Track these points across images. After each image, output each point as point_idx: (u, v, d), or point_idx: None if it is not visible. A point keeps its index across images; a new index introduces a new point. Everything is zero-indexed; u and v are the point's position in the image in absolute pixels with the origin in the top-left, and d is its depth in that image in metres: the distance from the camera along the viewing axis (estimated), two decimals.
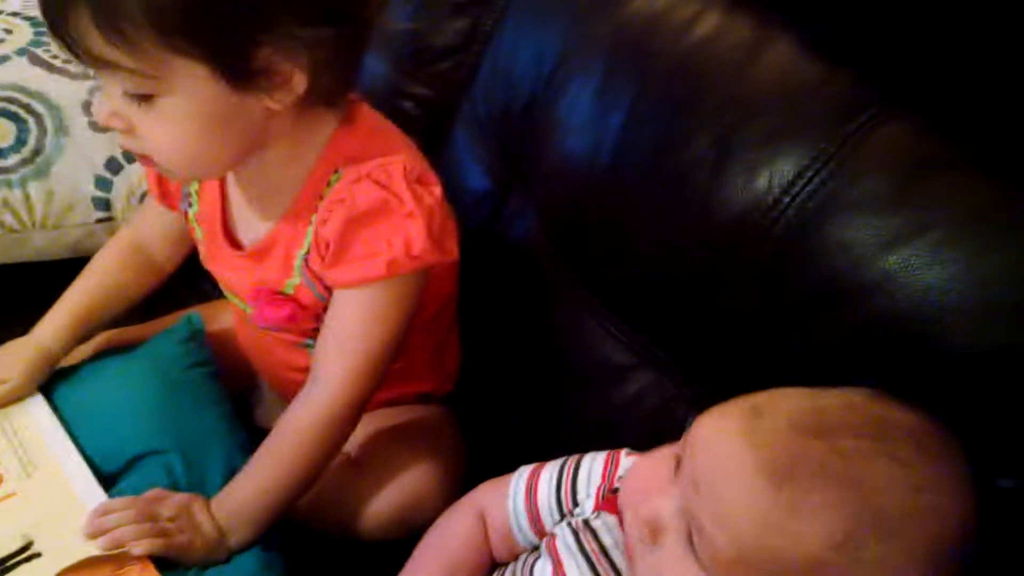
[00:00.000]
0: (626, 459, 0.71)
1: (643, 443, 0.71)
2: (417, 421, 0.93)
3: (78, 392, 0.86)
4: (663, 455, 0.64)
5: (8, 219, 1.08)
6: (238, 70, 0.68)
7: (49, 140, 1.10)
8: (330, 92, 0.75)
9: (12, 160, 1.08)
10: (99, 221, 1.12)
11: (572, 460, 0.73)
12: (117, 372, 0.88)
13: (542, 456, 0.75)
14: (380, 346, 0.80)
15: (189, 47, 0.66)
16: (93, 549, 0.71)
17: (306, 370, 0.87)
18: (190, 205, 0.88)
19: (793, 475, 0.55)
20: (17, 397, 0.84)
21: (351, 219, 0.75)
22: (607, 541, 0.66)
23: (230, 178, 0.84)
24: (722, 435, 0.58)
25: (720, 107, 0.76)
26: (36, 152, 1.09)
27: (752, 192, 0.72)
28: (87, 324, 0.91)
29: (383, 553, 0.80)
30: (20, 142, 1.09)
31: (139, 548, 0.71)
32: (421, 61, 1.10)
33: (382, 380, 0.82)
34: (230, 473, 0.80)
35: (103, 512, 0.73)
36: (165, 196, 0.91)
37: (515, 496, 0.73)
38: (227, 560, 0.75)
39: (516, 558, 0.72)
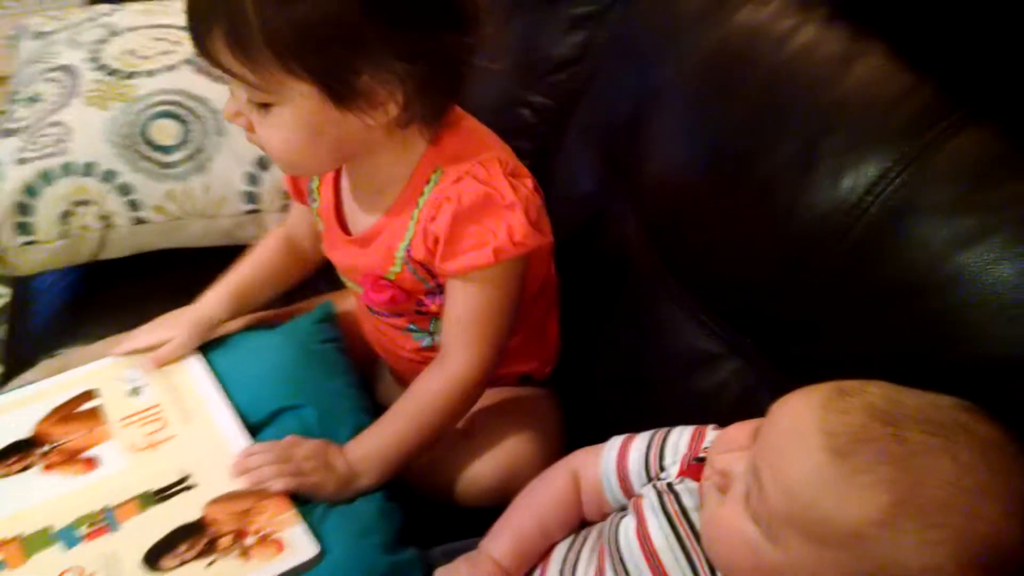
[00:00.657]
0: (711, 432, 0.75)
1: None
2: (521, 399, 1.00)
3: (230, 355, 0.97)
4: (749, 424, 0.68)
5: (172, 208, 1.22)
6: (340, 92, 0.77)
7: (209, 140, 1.22)
8: (422, 117, 0.83)
9: (177, 156, 1.22)
10: (248, 212, 1.24)
11: (662, 431, 0.78)
12: (263, 341, 0.99)
13: None
14: (497, 326, 0.89)
15: (300, 70, 0.75)
16: (238, 485, 0.81)
17: (414, 351, 0.98)
18: (314, 200, 0.98)
19: (852, 449, 0.58)
20: (180, 355, 0.96)
21: (458, 215, 0.83)
22: (688, 503, 0.70)
23: (343, 174, 0.95)
24: (802, 404, 0.62)
25: (811, 114, 0.81)
26: (198, 150, 1.22)
27: (837, 192, 0.77)
28: (243, 301, 1.02)
29: (477, 518, 0.85)
30: (185, 141, 1.22)
31: (277, 485, 0.81)
32: (540, 72, 1.18)
33: (503, 355, 0.91)
34: (356, 430, 0.90)
35: (248, 454, 0.83)
36: (299, 195, 1.02)
37: (607, 460, 0.78)
38: (352, 500, 0.84)
39: (605, 517, 0.78)
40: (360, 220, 0.94)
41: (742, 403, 0.86)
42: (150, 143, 1.21)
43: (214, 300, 1.00)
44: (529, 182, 0.87)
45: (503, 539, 0.79)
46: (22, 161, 1.20)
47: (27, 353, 1.23)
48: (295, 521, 0.79)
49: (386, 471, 0.86)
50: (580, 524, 0.80)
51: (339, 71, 0.76)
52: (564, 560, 0.75)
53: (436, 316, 0.94)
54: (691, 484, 0.71)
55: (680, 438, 0.76)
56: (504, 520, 0.81)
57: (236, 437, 0.87)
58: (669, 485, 0.72)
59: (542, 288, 1.00)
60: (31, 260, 1.20)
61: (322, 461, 0.84)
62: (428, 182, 0.86)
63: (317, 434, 0.88)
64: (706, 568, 0.66)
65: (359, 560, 0.77)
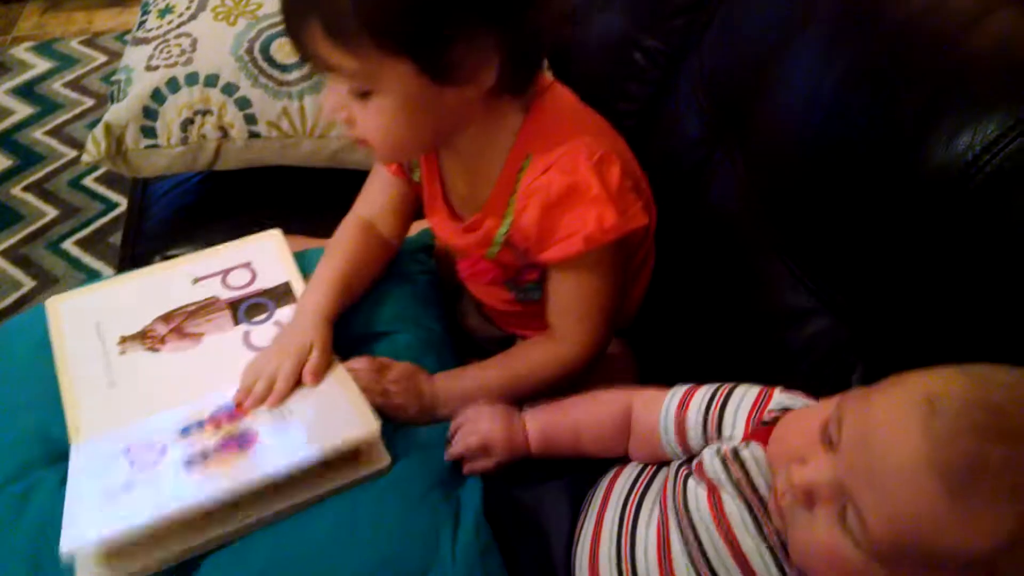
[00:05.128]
0: (779, 395, 0.73)
1: (811, 385, 0.75)
2: None
3: None
4: (817, 414, 0.64)
5: (285, 125, 1.26)
6: (436, 66, 0.78)
7: None
8: (516, 84, 0.84)
9: (295, 75, 1.26)
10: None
11: (725, 387, 0.76)
12: None
13: None
14: (601, 311, 0.91)
15: (396, 47, 0.76)
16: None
17: (508, 301, 1.01)
18: (412, 170, 1.00)
19: (969, 482, 0.54)
20: (328, 361, 0.87)
21: (547, 207, 0.85)
22: (752, 470, 0.68)
23: (444, 163, 0.96)
24: (896, 429, 0.56)
25: (936, 69, 0.78)
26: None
27: (954, 149, 0.73)
28: (349, 295, 0.95)
29: (536, 465, 0.85)
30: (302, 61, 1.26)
31: (367, 386, 0.84)
32: (657, 16, 1.17)
33: (614, 330, 0.93)
34: (440, 363, 0.93)
35: (347, 367, 0.86)
36: (397, 168, 1.02)
37: (669, 406, 0.78)
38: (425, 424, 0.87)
39: (657, 461, 0.78)
40: (462, 202, 0.96)
41: (829, 362, 0.84)
42: (270, 60, 1.25)
43: (323, 298, 0.92)
44: (616, 169, 0.86)
45: (541, 418, 0.81)
46: (150, 68, 1.25)
47: (141, 252, 1.30)
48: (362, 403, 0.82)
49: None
50: (616, 456, 0.81)
51: (434, 43, 0.77)
52: (626, 503, 0.75)
53: (534, 281, 0.96)
54: (757, 450, 0.69)
55: (744, 398, 0.75)
56: (553, 406, 0.83)
57: None
58: (735, 452, 0.70)
59: (637, 248, 1.00)
60: (152, 163, 1.26)
61: (409, 385, 0.87)
62: (520, 169, 0.88)
63: (406, 359, 0.90)
64: (775, 537, 0.66)
65: (424, 467, 0.80)
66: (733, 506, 0.68)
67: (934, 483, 0.54)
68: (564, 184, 0.84)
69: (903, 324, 0.78)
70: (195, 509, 0.73)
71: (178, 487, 0.75)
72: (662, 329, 1.05)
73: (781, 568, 0.66)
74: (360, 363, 0.87)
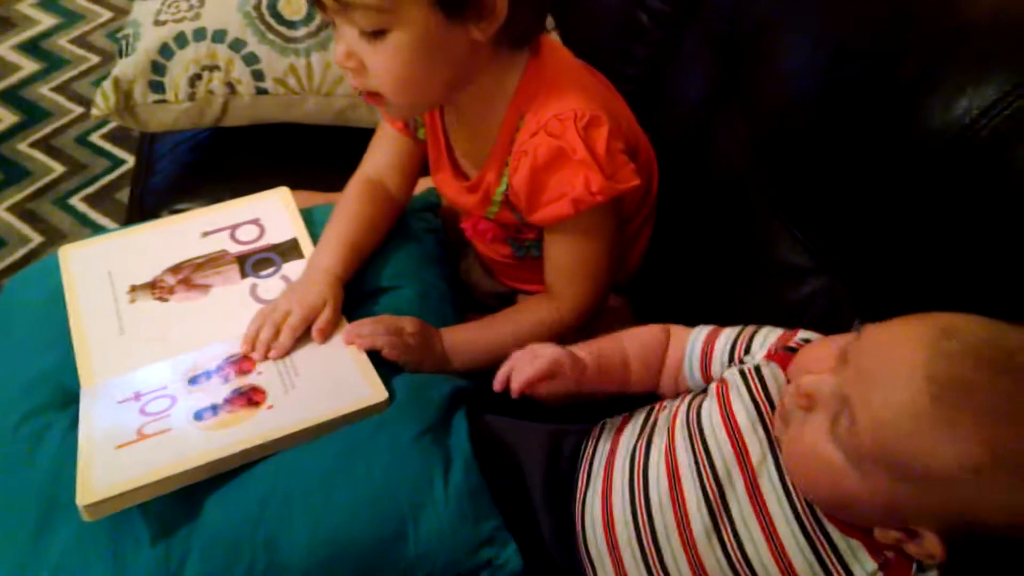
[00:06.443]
0: (802, 333, 0.76)
1: None
2: None
3: None
4: (836, 342, 0.68)
5: (291, 82, 1.27)
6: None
7: None
8: (524, 27, 0.85)
9: (302, 31, 1.26)
10: (362, 94, 1.29)
11: (753, 326, 0.79)
12: None
13: None
14: (597, 269, 0.93)
15: None
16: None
17: (508, 256, 1.03)
18: (417, 128, 1.01)
19: (956, 398, 0.57)
20: (337, 320, 0.89)
21: (535, 169, 0.87)
22: (771, 385, 0.71)
23: (448, 122, 0.97)
24: (903, 340, 0.61)
25: (933, 33, 0.79)
26: (321, 27, 1.25)
27: (951, 112, 0.75)
28: (358, 255, 0.96)
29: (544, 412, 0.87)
30: (309, 16, 1.26)
31: (392, 354, 0.85)
32: None
33: (609, 288, 0.95)
34: (443, 319, 0.95)
35: (359, 324, 0.88)
36: (402, 125, 1.02)
37: (697, 336, 0.81)
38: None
39: (674, 393, 0.81)
40: (466, 160, 0.98)
41: (827, 319, 0.86)
42: (278, 16, 1.25)
43: (335, 258, 0.94)
44: (604, 131, 0.86)
45: (594, 348, 0.83)
46: (158, 23, 1.26)
47: (148, 206, 1.31)
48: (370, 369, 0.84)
49: (472, 364, 0.91)
50: (651, 390, 0.83)
51: None
52: (634, 451, 0.77)
53: (534, 239, 0.98)
54: (776, 370, 0.72)
55: (770, 333, 0.78)
56: (603, 337, 0.85)
57: None
58: (756, 367, 0.73)
59: (638, 207, 1.02)
60: (160, 119, 1.27)
61: (423, 341, 0.89)
62: (516, 128, 0.89)
63: (413, 313, 0.92)
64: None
65: (418, 409, 0.80)
66: (744, 415, 0.70)
67: (923, 387, 0.57)
68: (551, 147, 0.86)
69: (900, 283, 0.80)
70: (207, 462, 0.75)
71: (191, 440, 0.77)
72: (662, 286, 1.06)
73: (783, 479, 0.67)
74: (372, 322, 0.88)
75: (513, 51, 0.88)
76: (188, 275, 0.95)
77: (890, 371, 0.60)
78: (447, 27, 0.81)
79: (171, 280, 0.95)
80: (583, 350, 0.82)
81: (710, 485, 0.69)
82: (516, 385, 0.78)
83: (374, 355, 0.86)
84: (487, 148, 0.92)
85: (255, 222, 1.01)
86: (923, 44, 0.80)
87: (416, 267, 1.00)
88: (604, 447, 0.79)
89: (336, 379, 0.83)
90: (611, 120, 0.88)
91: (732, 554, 0.68)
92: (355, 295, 0.94)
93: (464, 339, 0.93)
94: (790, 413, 0.67)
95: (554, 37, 0.96)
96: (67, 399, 0.84)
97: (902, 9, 0.84)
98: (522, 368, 0.78)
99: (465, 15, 0.81)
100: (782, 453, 0.68)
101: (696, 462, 0.71)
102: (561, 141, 0.85)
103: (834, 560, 0.65)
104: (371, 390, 0.81)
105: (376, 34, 0.81)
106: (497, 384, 0.79)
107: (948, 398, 0.57)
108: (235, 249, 0.99)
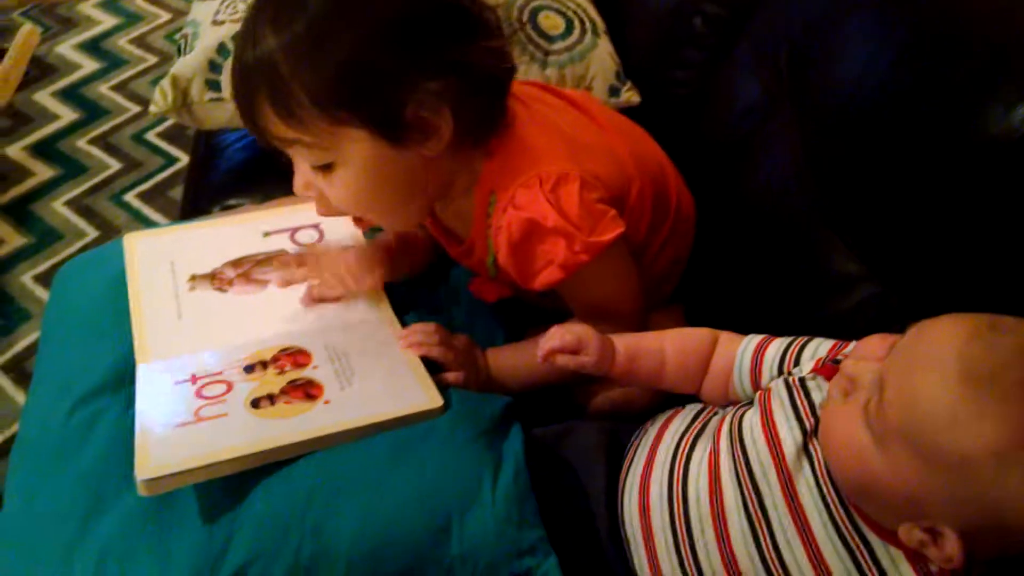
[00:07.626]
0: (853, 343, 0.75)
1: None
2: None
3: None
4: (890, 338, 0.68)
5: None
6: (392, 128, 0.77)
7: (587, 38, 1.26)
8: (476, 131, 0.83)
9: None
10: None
11: (804, 337, 0.79)
12: None
13: None
14: (618, 301, 0.92)
15: (348, 116, 0.76)
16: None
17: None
18: None
19: (987, 380, 0.57)
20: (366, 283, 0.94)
21: (513, 246, 0.85)
22: (816, 399, 0.71)
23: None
24: (948, 328, 0.61)
25: (992, 40, 0.78)
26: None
27: (1007, 123, 0.74)
28: (410, 248, 1.00)
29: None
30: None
31: (439, 359, 0.86)
32: None
33: (644, 306, 0.94)
34: (489, 339, 0.95)
35: (414, 331, 0.89)
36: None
37: (748, 344, 0.81)
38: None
39: (720, 401, 0.80)
40: (456, 228, 0.95)
41: (876, 328, 0.83)
42: None
43: (388, 257, 0.96)
44: (574, 188, 0.83)
45: (630, 340, 0.83)
46: (216, 23, 1.28)
47: (201, 203, 1.34)
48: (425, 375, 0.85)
49: (515, 387, 0.91)
50: (689, 392, 0.83)
51: (383, 106, 0.77)
52: (680, 442, 0.77)
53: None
54: (822, 382, 0.72)
55: (820, 345, 0.78)
56: (644, 333, 0.86)
57: None
58: (801, 380, 0.73)
59: (653, 230, 0.97)
60: (216, 116, 1.30)
61: (471, 357, 0.90)
62: (489, 204, 0.87)
63: (457, 331, 0.92)
64: (823, 465, 0.68)
65: (472, 416, 0.81)
66: (786, 428, 0.70)
67: (954, 366, 0.58)
68: (521, 221, 0.83)
69: (951, 292, 0.79)
70: (265, 449, 0.76)
71: (250, 426, 0.79)
72: (711, 296, 1.06)
73: (819, 485, 0.67)
74: (425, 329, 0.89)
75: (475, 146, 0.85)
76: (248, 269, 0.97)
77: (925, 352, 0.61)
78: (395, 152, 0.79)
79: (231, 273, 0.97)
80: (620, 339, 0.83)
81: (747, 490, 0.70)
82: (542, 352, 0.81)
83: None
84: (468, 228, 0.91)
85: (315, 226, 1.03)
86: (979, 51, 0.79)
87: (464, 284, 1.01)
88: (650, 436, 0.80)
89: (392, 381, 0.84)
90: (581, 169, 0.84)
91: (768, 556, 0.68)
92: (407, 305, 0.95)
93: (507, 364, 0.92)
94: (832, 394, 0.68)
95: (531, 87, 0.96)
96: (122, 381, 0.85)
97: (960, 15, 0.83)
98: (551, 335, 0.81)
99: (409, 140, 0.79)
100: (820, 432, 0.68)
101: (735, 467, 0.71)
102: (530, 212, 0.83)
103: (873, 569, 0.65)
104: (427, 395, 0.82)
105: (326, 167, 0.80)
106: (540, 352, 0.82)
107: (979, 380, 0.57)
108: (295, 250, 1.00)
